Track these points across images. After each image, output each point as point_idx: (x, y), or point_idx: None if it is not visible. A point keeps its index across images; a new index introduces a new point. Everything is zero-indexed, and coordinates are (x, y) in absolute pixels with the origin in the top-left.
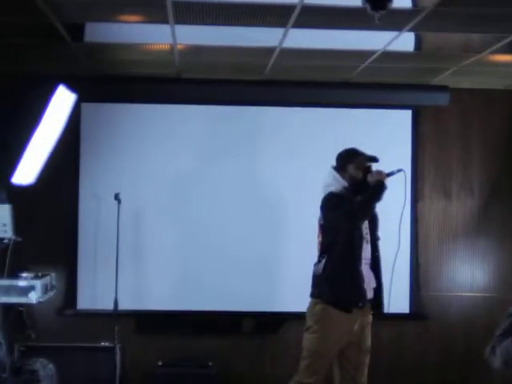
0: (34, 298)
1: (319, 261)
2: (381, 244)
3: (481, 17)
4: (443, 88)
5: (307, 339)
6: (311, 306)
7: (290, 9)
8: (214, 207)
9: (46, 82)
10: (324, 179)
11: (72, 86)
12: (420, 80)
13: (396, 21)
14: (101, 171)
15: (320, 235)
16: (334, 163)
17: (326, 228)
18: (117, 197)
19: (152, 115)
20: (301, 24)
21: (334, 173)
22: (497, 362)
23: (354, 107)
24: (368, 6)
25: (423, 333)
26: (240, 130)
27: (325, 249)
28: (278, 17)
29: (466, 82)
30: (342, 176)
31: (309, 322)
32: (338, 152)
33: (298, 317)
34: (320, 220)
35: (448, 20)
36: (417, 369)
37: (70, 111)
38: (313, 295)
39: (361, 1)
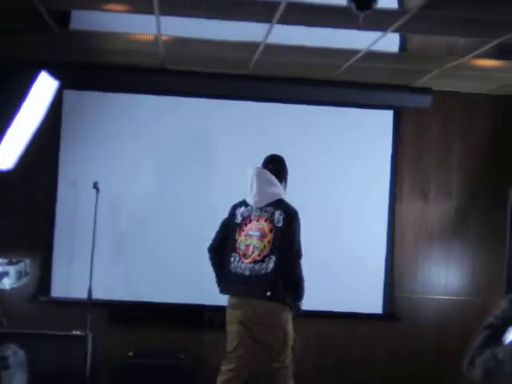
0: (7, 283)
1: (263, 260)
2: (357, 242)
3: (465, 21)
4: (426, 90)
5: (289, 331)
6: (261, 306)
7: (275, 4)
8: (193, 198)
9: (28, 67)
10: (270, 181)
11: (55, 73)
12: (403, 81)
13: (380, 21)
14: (80, 159)
15: (269, 235)
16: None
17: (282, 234)
18: (95, 185)
19: (135, 105)
20: (286, 20)
21: (276, 180)
22: (477, 373)
23: (337, 105)
24: (353, 6)
25: (395, 333)
26: (222, 124)
27: (273, 249)
28: (263, 12)
29: (449, 85)
30: (283, 186)
31: (267, 319)
32: (280, 155)
33: None
34: (278, 223)
35: (432, 22)
36: (388, 369)
37: (52, 98)
38: (271, 298)
39: (346, 0)
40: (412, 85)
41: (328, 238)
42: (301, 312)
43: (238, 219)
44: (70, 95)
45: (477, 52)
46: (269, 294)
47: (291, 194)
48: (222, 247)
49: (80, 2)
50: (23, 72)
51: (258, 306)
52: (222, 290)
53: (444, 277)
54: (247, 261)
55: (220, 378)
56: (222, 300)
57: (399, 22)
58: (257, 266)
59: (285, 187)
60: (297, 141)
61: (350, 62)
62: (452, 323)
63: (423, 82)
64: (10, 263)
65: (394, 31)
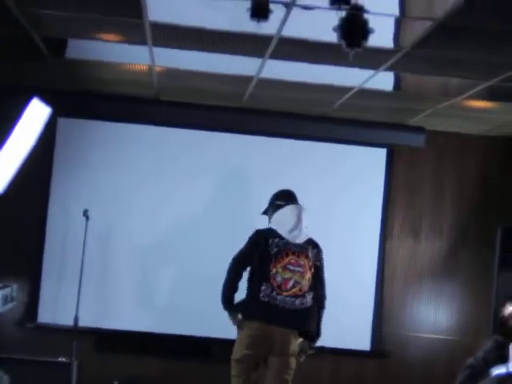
0: None
1: (304, 296)
2: (346, 278)
3: (456, 62)
4: (419, 129)
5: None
6: (292, 337)
7: (267, 40)
8: (183, 230)
9: (20, 93)
10: (303, 218)
11: (48, 100)
12: (397, 119)
13: (372, 59)
14: (72, 187)
15: (309, 272)
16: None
17: (317, 272)
18: (85, 213)
19: (128, 135)
20: (278, 55)
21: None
22: None
23: (330, 141)
24: (343, 43)
25: (383, 371)
26: (214, 156)
27: (312, 287)
28: (255, 47)
29: (442, 125)
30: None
31: (293, 349)
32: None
33: None
34: (316, 261)
35: (425, 62)
36: None
37: (44, 124)
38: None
39: (336, 37)
40: (405, 123)
41: None
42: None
43: (273, 250)
44: (63, 123)
45: (469, 93)
46: (310, 329)
47: None
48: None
49: (73, 31)
50: (15, 98)
51: (290, 338)
52: (250, 316)
53: (433, 315)
54: (285, 294)
55: None
56: (210, 331)
57: (391, 61)
58: (297, 301)
59: None
60: (288, 175)
61: (344, 98)
62: (440, 362)
63: (416, 120)
64: None
65: (387, 70)
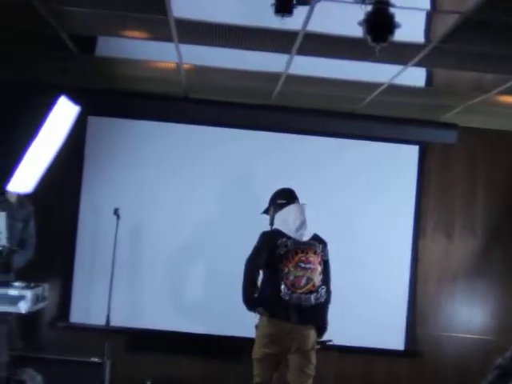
0: (23, 308)
1: (317, 291)
2: (379, 277)
3: (486, 56)
4: (452, 126)
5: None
6: (311, 333)
7: (292, 35)
8: (214, 228)
9: (48, 92)
10: (307, 218)
11: (78, 99)
12: (429, 116)
13: (399, 55)
14: (102, 185)
15: (320, 267)
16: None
17: (326, 266)
18: (116, 212)
19: (157, 133)
20: (304, 51)
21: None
22: None
23: (361, 139)
24: (369, 38)
25: (417, 371)
26: (243, 154)
27: (323, 281)
28: (281, 43)
29: (474, 122)
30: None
31: (311, 344)
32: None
33: None
34: (324, 256)
35: (452, 57)
36: None
37: (73, 123)
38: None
39: (362, 32)
40: (437, 120)
41: (350, 272)
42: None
43: (282, 250)
44: (93, 121)
45: (502, 88)
46: (325, 322)
47: (312, 227)
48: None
49: (100, 29)
50: (44, 96)
51: (306, 332)
52: (272, 315)
53: (467, 315)
54: (300, 291)
55: None
56: (241, 331)
57: (420, 56)
58: (312, 297)
59: None
60: (319, 173)
61: (373, 95)
62: (474, 362)
63: (448, 117)
64: (27, 287)
65: (416, 65)
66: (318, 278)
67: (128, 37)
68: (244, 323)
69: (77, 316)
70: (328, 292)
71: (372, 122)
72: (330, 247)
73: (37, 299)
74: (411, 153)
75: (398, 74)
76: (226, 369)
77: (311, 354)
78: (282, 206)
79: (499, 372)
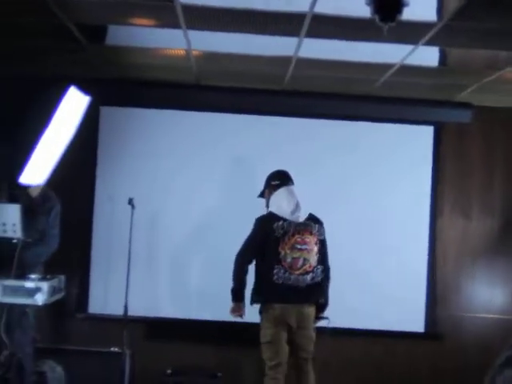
0: (40, 300)
1: (313, 271)
2: (398, 259)
3: (498, 32)
4: (466, 105)
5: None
6: (310, 311)
7: (300, 17)
8: (229, 215)
9: (60, 83)
10: (298, 199)
11: (89, 89)
12: (443, 96)
13: (409, 34)
14: (116, 175)
15: (316, 247)
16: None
17: (322, 245)
18: (130, 202)
19: (170, 121)
20: (313, 33)
21: None
22: None
23: (375, 121)
24: (376, 17)
25: (437, 353)
26: (257, 140)
27: (320, 260)
28: (289, 25)
29: (489, 100)
30: None
31: (310, 323)
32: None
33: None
34: (320, 235)
35: (463, 35)
36: None
37: (85, 113)
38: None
39: (370, 12)
40: (451, 99)
41: (368, 255)
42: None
43: (279, 233)
44: (106, 111)
45: None
46: (322, 301)
47: (331, 212)
48: (251, 261)
49: (106, 17)
50: (54, 89)
51: (305, 311)
52: (267, 300)
53: (487, 295)
54: (297, 272)
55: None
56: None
57: (430, 35)
58: (309, 277)
59: None
60: (334, 157)
61: (386, 76)
62: (496, 342)
63: (463, 96)
64: (44, 279)
65: (427, 44)
66: (314, 259)
67: (135, 24)
68: None
69: (95, 307)
70: (326, 270)
71: (386, 103)
72: (347, 231)
73: (53, 291)
74: (426, 134)
75: (409, 54)
76: (244, 355)
77: (311, 331)
78: (276, 188)
79: None
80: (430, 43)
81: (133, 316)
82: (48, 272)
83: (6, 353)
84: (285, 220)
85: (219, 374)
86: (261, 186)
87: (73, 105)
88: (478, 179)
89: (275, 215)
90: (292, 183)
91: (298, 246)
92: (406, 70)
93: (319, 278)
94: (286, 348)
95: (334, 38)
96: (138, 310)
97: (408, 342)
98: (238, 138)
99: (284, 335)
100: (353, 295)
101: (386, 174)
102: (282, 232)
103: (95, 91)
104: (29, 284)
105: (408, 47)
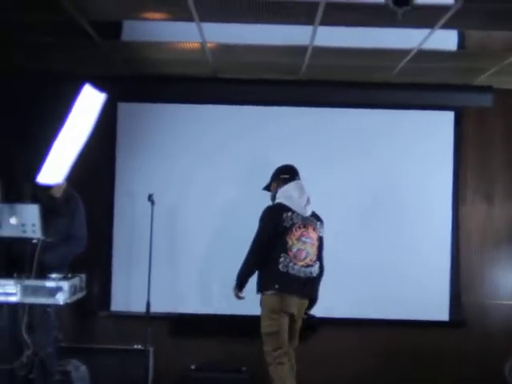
0: (61, 299)
1: (313, 265)
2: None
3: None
4: (487, 88)
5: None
6: (305, 304)
7: (314, 5)
8: (250, 208)
9: (75, 81)
10: (307, 195)
11: (106, 86)
12: (462, 80)
13: (425, 18)
14: (136, 171)
15: (317, 243)
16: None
17: (321, 242)
18: (150, 198)
19: (189, 115)
20: (327, 21)
21: None
22: None
23: (395, 108)
24: (390, 2)
25: (463, 341)
26: (277, 131)
27: (318, 256)
28: (303, 14)
29: (510, 83)
30: None
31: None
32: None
33: (334, 322)
34: (320, 233)
35: (480, 17)
36: (456, 378)
37: (101, 111)
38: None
39: None
40: (471, 83)
41: (392, 244)
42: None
43: (288, 223)
44: (124, 108)
45: None
46: (316, 295)
47: (353, 201)
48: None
49: (118, 13)
50: (69, 86)
51: (304, 302)
52: (269, 287)
53: None
54: (300, 264)
55: (285, 367)
56: None
57: (446, 18)
58: (308, 270)
59: None
60: (357, 145)
61: (403, 62)
62: None
63: (482, 80)
64: (64, 278)
65: (444, 27)
66: (314, 253)
67: (148, 19)
68: None
69: (118, 304)
70: (321, 267)
71: (404, 90)
72: (370, 221)
73: (74, 290)
74: (447, 119)
75: (426, 38)
76: None
77: (299, 322)
78: (285, 181)
79: None
80: (446, 26)
81: (155, 313)
82: (69, 271)
83: (28, 353)
84: (293, 212)
85: (244, 369)
86: None
87: (88, 102)
88: (500, 164)
89: (285, 206)
90: (299, 178)
91: (304, 239)
92: (424, 55)
93: (315, 274)
94: (286, 338)
95: (348, 25)
96: (160, 306)
97: (433, 331)
98: (256, 130)
99: (285, 325)
100: (377, 285)
101: (407, 162)
102: (290, 223)
103: (112, 88)
104: (49, 283)
105: (425, 31)
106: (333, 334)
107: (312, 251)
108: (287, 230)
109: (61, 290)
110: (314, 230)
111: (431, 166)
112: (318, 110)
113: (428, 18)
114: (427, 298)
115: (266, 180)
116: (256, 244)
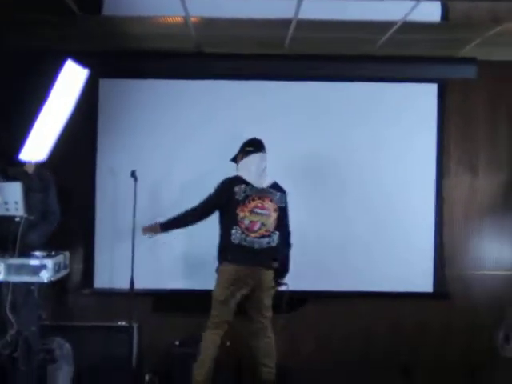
0: (45, 277)
1: (270, 235)
2: (404, 220)
3: None
4: (470, 60)
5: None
6: (266, 274)
7: None
8: None
9: (57, 56)
10: (265, 165)
11: (86, 62)
12: (446, 52)
13: None
14: (118, 148)
15: (275, 213)
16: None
17: (283, 213)
18: (133, 174)
19: (172, 91)
20: None
21: None
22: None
23: (378, 81)
24: None
25: (447, 312)
26: (261, 106)
27: (277, 226)
28: None
29: (494, 54)
30: None
31: (266, 285)
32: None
33: (320, 296)
34: (281, 203)
35: None
36: (440, 348)
37: (83, 87)
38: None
39: None
40: (455, 55)
41: (375, 218)
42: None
43: (240, 195)
44: (105, 84)
45: None
46: (276, 264)
47: (336, 174)
48: (202, 215)
49: None
50: (51, 62)
51: (262, 274)
52: (224, 259)
53: (496, 251)
54: (253, 235)
55: (212, 337)
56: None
57: None
58: (265, 241)
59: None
60: (340, 119)
61: (388, 34)
62: (507, 297)
63: (466, 51)
64: (48, 256)
65: None
66: (272, 224)
67: None
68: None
69: (101, 281)
70: (285, 236)
71: (388, 63)
72: (353, 193)
73: (58, 267)
74: (430, 91)
75: (412, 9)
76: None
77: (267, 294)
78: (248, 154)
79: None
80: None
81: (139, 289)
82: (52, 249)
83: (12, 332)
84: (248, 184)
85: (227, 343)
86: (273, 154)
87: (71, 78)
88: (483, 136)
89: (240, 178)
90: (265, 151)
91: (257, 211)
92: (409, 27)
93: (275, 243)
94: (233, 309)
95: None
96: (144, 282)
97: (417, 303)
98: (240, 104)
99: (237, 296)
100: (360, 258)
101: (391, 135)
102: (243, 195)
103: (93, 64)
104: (33, 261)
105: (409, 3)
106: (318, 307)
107: (269, 222)
108: (239, 203)
109: (45, 268)
110: (271, 201)
111: (414, 138)
112: (302, 83)
113: None
114: (411, 271)
115: None
116: (197, 208)
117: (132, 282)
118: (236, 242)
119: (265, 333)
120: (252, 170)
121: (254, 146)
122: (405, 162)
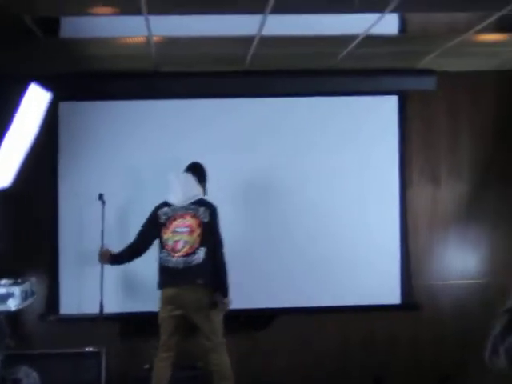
0: (12, 305)
1: (194, 252)
2: (369, 232)
3: None
4: (429, 72)
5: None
6: (198, 293)
7: None
8: None
9: (17, 80)
10: (192, 183)
11: (47, 85)
12: (405, 64)
13: (377, 2)
14: (82, 171)
15: (198, 229)
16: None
17: (209, 227)
18: (101, 197)
19: (133, 112)
20: (279, 9)
21: (195, 182)
22: (502, 362)
23: (339, 95)
24: None
25: (415, 323)
26: (223, 124)
27: (202, 242)
28: (254, 2)
29: (453, 65)
30: (203, 189)
31: (202, 303)
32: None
33: (289, 312)
34: (204, 218)
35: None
36: (410, 360)
37: (45, 110)
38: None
39: None
40: (414, 67)
41: (339, 230)
42: (228, 307)
43: (162, 219)
44: (65, 107)
45: (478, 27)
46: (201, 281)
47: (301, 188)
48: (140, 246)
49: (66, 8)
50: (13, 86)
51: (188, 293)
52: (158, 284)
53: (461, 261)
54: (178, 255)
55: (159, 364)
56: (241, 303)
57: (396, 1)
58: (189, 259)
59: (205, 189)
60: (301, 134)
61: (349, 48)
62: (473, 306)
63: (425, 63)
64: (15, 283)
65: (392, 11)
66: (196, 240)
67: (96, 14)
68: (242, 295)
69: (67, 307)
70: (211, 251)
71: (348, 76)
72: (315, 206)
73: (26, 295)
74: (391, 104)
75: (375, 23)
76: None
77: (202, 314)
78: (177, 176)
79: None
80: (396, 10)
81: (106, 313)
82: (15, 275)
83: None
84: (169, 206)
85: (199, 365)
86: (229, 170)
87: (34, 102)
88: (444, 145)
89: (164, 202)
90: (192, 172)
91: (178, 230)
92: (369, 41)
93: (201, 259)
94: (172, 329)
95: (301, 12)
96: (111, 307)
97: (387, 315)
98: (205, 124)
99: (173, 318)
100: (326, 272)
101: (353, 148)
102: (165, 218)
103: (53, 86)
104: (0, 290)
105: (370, 16)
106: (288, 323)
107: (191, 239)
108: (162, 226)
109: (12, 296)
110: (192, 216)
111: (377, 150)
112: (264, 100)
113: (379, 2)
114: (379, 283)
115: (218, 174)
116: (134, 240)
117: (101, 306)
118: (164, 264)
119: (213, 355)
120: (174, 190)
121: (186, 169)
122: (367, 175)
